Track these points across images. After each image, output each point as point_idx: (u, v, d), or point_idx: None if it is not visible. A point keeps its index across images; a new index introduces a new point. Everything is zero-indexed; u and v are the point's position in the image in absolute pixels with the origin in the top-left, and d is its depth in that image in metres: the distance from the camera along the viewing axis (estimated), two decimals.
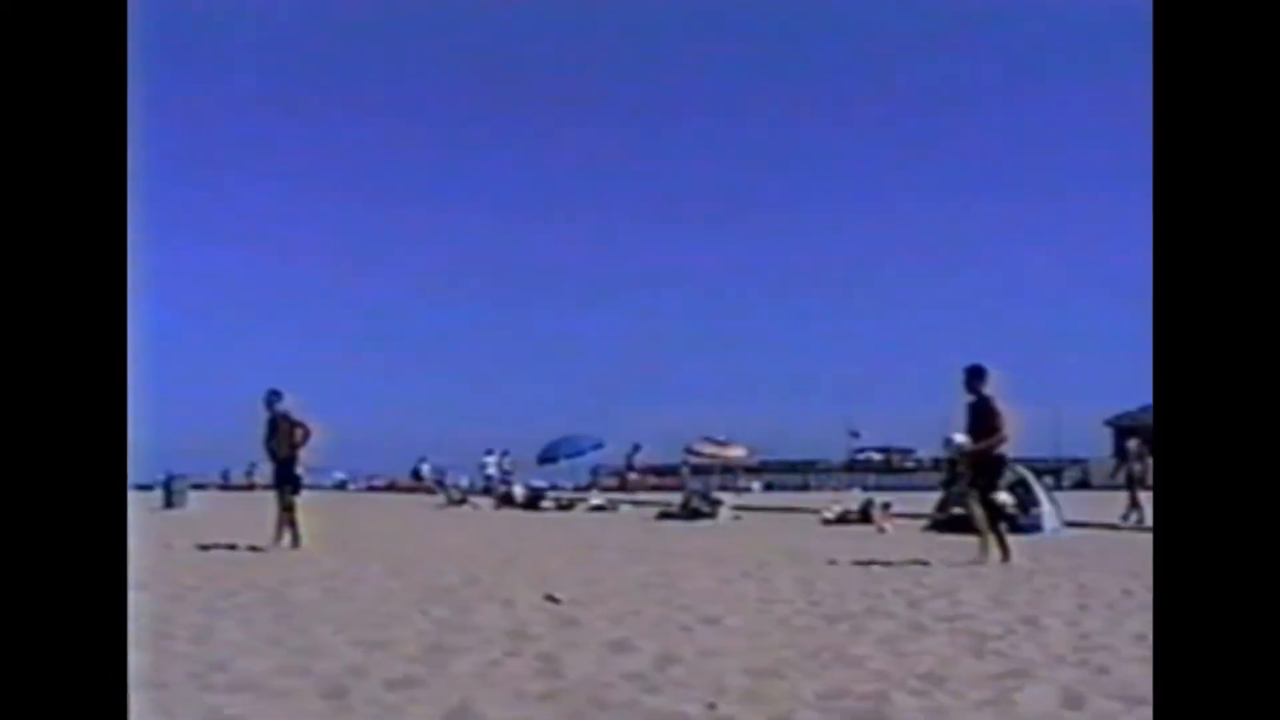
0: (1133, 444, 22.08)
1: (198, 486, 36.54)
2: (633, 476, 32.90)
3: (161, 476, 32.54)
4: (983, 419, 11.16)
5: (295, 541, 13.24)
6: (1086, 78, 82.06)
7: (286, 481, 13.58)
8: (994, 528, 11.28)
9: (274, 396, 13.81)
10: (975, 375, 11.23)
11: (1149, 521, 18.43)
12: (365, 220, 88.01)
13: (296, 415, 13.78)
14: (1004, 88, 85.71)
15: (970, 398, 11.23)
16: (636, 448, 34.09)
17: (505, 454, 36.75)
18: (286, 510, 13.43)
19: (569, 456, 39.74)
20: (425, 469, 39.82)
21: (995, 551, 11.07)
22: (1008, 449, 11.47)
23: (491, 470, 35.19)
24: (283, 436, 13.64)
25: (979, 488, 11.47)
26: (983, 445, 11.27)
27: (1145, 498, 19.77)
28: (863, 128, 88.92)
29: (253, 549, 12.96)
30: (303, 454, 13.81)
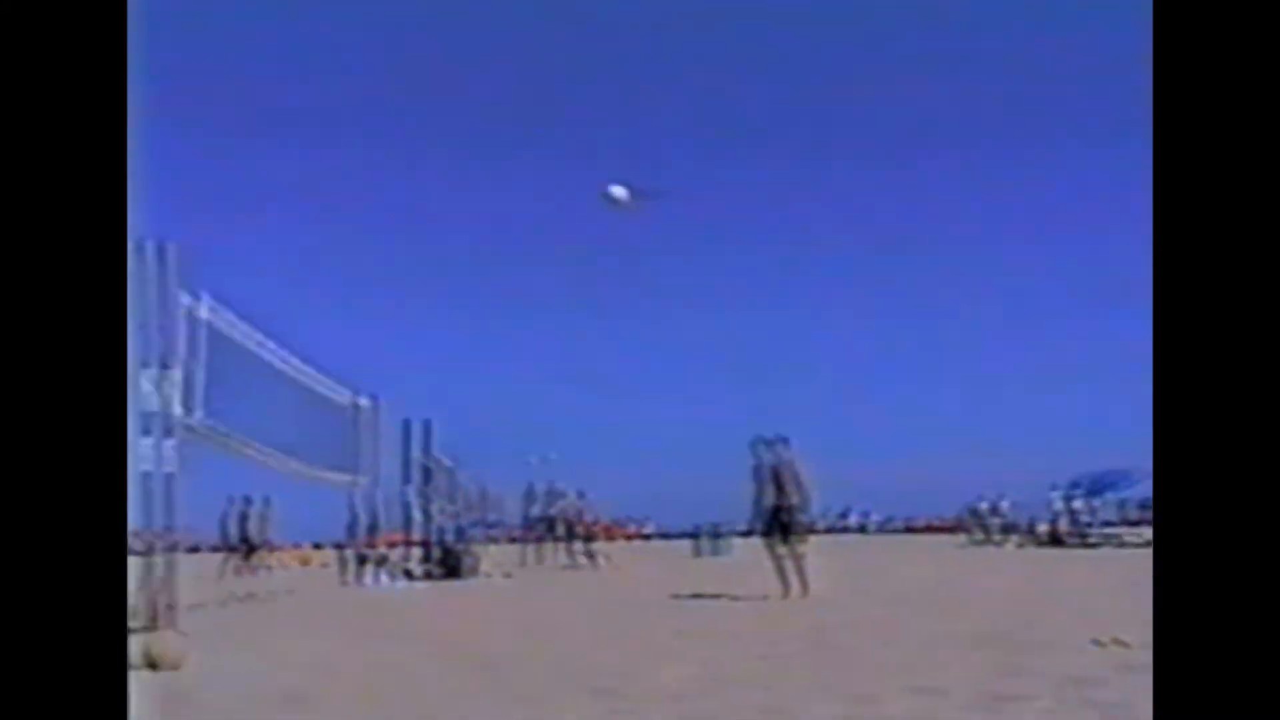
0: None
1: (743, 534, 38.24)
2: None
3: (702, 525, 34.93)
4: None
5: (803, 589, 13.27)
6: None
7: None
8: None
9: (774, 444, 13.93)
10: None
11: None
12: None
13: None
14: None
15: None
16: None
17: (1075, 486, 35.90)
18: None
19: (1115, 489, 38.04)
20: (983, 506, 39.75)
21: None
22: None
23: (1059, 506, 34.57)
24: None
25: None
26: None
27: None
28: None
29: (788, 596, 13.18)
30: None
